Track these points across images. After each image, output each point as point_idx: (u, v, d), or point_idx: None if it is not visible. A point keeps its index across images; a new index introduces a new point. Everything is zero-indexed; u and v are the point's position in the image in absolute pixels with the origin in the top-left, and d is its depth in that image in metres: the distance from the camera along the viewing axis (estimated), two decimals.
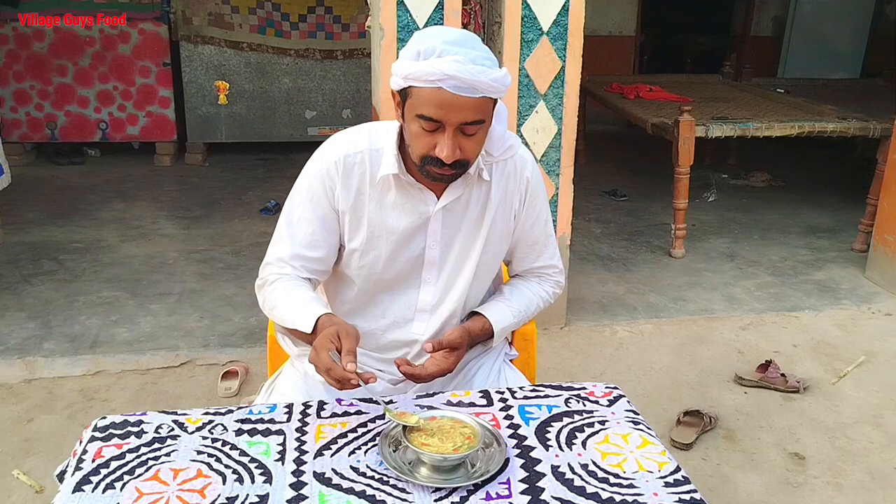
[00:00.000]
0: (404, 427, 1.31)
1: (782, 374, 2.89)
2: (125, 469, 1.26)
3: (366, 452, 1.31)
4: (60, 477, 1.40)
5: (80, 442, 1.37)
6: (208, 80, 5.64)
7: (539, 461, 1.30)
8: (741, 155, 6.00)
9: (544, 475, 1.26)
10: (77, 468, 1.27)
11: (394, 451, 1.30)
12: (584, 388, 1.54)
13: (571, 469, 1.28)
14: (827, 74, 7.17)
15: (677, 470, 1.29)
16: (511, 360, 1.79)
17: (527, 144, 2.96)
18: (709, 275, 3.91)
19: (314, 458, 1.29)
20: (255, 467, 1.27)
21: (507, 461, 1.29)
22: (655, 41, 8.76)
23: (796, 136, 4.16)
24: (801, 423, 2.67)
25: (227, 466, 1.27)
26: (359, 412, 1.44)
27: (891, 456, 2.50)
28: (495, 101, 1.45)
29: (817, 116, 4.44)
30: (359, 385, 1.34)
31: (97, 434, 1.36)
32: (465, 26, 2.96)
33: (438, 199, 1.53)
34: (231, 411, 1.43)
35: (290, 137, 5.89)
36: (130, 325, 3.19)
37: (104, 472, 1.26)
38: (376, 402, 1.47)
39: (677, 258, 4.10)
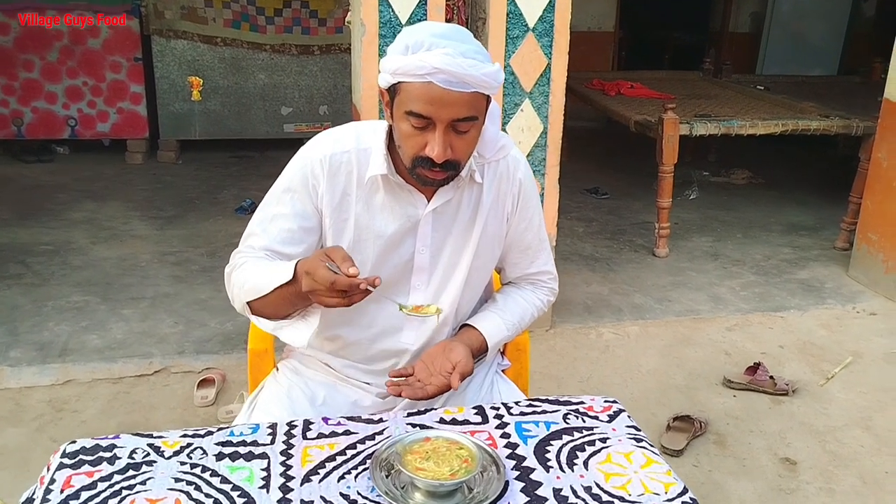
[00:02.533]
0: (397, 452, 1.23)
1: (771, 377, 2.85)
2: (97, 500, 1.17)
3: (356, 477, 1.23)
4: None
5: (48, 469, 1.27)
6: (181, 75, 5.49)
7: (540, 484, 1.23)
8: (721, 152, 5.99)
9: (546, 500, 1.19)
10: (44, 499, 1.18)
11: (386, 477, 1.22)
12: (583, 403, 1.48)
13: (574, 493, 1.21)
14: (805, 71, 7.19)
15: (684, 492, 1.23)
16: (503, 371, 1.73)
17: None
18: (693, 274, 3.88)
19: (301, 484, 1.21)
20: (238, 496, 1.19)
21: (506, 485, 1.22)
22: (634, 37, 8.74)
23: (780, 134, 4.13)
24: (791, 427, 2.64)
25: (207, 496, 1.19)
26: (347, 432, 1.36)
27: (881, 460, 2.47)
28: (488, 98, 1.39)
29: (799, 114, 4.42)
30: (367, 290, 1.22)
31: (66, 461, 1.27)
32: (448, 22, 2.88)
33: (428, 201, 1.46)
34: (211, 433, 1.34)
35: (265, 134, 5.76)
36: (101, 331, 3.07)
37: None
38: (365, 421, 1.40)
39: (661, 257, 4.06)
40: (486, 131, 1.45)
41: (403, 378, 1.44)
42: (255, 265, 1.40)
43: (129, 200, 4.70)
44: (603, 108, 4.92)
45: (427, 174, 1.36)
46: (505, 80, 2.82)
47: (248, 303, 1.38)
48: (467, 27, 2.95)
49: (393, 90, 1.34)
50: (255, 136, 5.77)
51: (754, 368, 2.89)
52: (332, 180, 1.44)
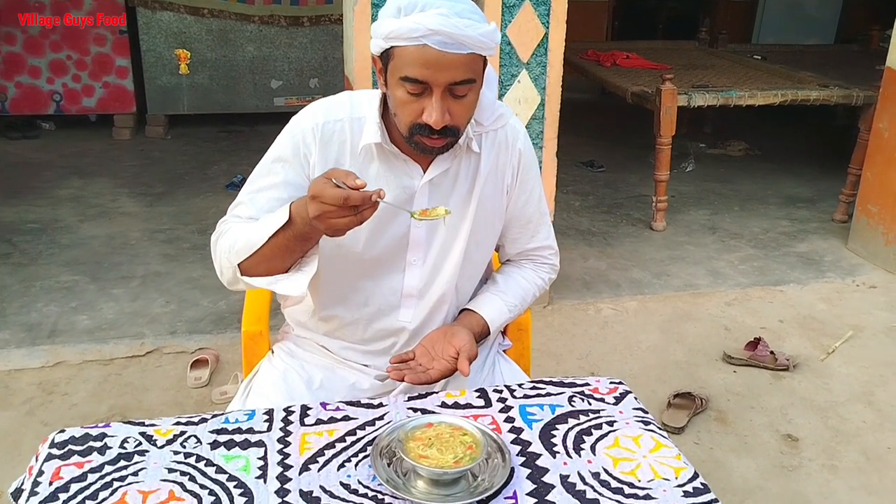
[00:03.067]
0: (399, 439, 1.19)
1: (771, 352, 2.83)
2: (87, 493, 1.12)
3: (356, 465, 1.19)
4: (15, 495, 1.24)
5: (37, 458, 1.22)
6: (168, 48, 5.37)
7: (546, 470, 1.19)
8: (717, 123, 5.92)
9: (553, 487, 1.15)
10: (32, 492, 1.13)
11: (388, 464, 1.18)
12: (588, 385, 1.43)
13: (582, 479, 1.17)
14: (801, 40, 7.11)
15: (695, 477, 1.19)
16: (505, 351, 1.68)
17: None
18: (691, 248, 3.84)
19: (300, 473, 1.17)
20: (234, 486, 1.14)
21: (511, 471, 1.18)
22: (627, 5, 8.61)
23: (778, 104, 4.07)
24: (792, 403, 2.62)
25: (202, 486, 1.14)
26: (346, 417, 1.31)
27: (884, 436, 2.45)
28: (485, 61, 1.33)
29: (798, 84, 4.35)
30: (377, 203, 1.18)
31: (54, 451, 1.22)
32: None
33: (424, 172, 1.40)
34: (205, 420, 1.30)
35: (255, 108, 5.65)
36: (91, 311, 3.01)
37: (63, 496, 1.12)
38: (364, 406, 1.35)
39: (658, 231, 4.02)
40: (483, 97, 1.40)
41: (405, 363, 1.40)
42: (245, 225, 1.35)
43: (117, 177, 4.61)
44: (599, 80, 4.84)
45: (425, 141, 1.31)
46: (501, 50, 2.74)
47: (239, 265, 1.31)
48: None
49: (386, 56, 1.29)
50: (245, 110, 5.66)
51: (754, 344, 2.86)
52: (324, 149, 1.38)
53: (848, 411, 2.58)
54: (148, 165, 4.88)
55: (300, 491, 1.13)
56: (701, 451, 2.37)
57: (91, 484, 1.14)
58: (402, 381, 1.37)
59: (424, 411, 1.33)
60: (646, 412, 1.36)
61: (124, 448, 1.22)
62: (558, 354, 2.87)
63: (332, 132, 1.38)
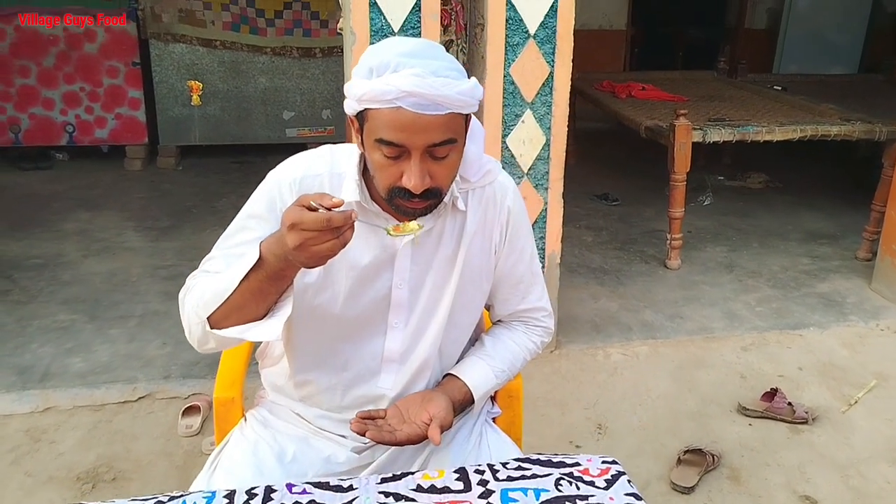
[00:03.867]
0: None
1: (789, 403, 2.68)
2: None
3: None
4: None
5: None
6: (180, 79, 5.37)
7: None
8: (737, 155, 5.78)
9: None
10: None
11: None
12: (578, 465, 1.32)
13: None
14: (824, 69, 6.97)
15: None
16: (493, 419, 1.58)
17: (513, 157, 2.73)
18: (707, 288, 3.70)
19: None
20: None
21: None
22: (647, 34, 8.53)
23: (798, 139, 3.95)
24: (810, 460, 2.47)
25: None
26: (312, 503, 1.21)
27: None
28: (468, 117, 1.25)
29: (819, 118, 4.22)
30: (354, 220, 1.09)
31: None
32: (445, 28, 2.73)
33: None
34: (162, 503, 1.20)
35: (267, 139, 5.63)
36: (86, 353, 2.94)
37: None
38: (333, 489, 1.25)
39: (673, 269, 3.89)
40: (469, 152, 1.31)
41: (372, 419, 1.32)
42: (211, 277, 1.26)
43: (124, 210, 4.58)
44: (613, 113, 4.74)
45: (406, 204, 1.23)
46: (504, 89, 2.66)
47: (208, 318, 1.21)
48: (465, 33, 2.79)
49: (361, 117, 1.21)
50: (257, 140, 5.63)
51: (771, 394, 2.72)
52: None
53: (871, 470, 2.42)
54: (157, 198, 4.85)
55: None
56: None
57: None
58: (363, 435, 1.28)
59: (397, 496, 1.23)
60: (639, 499, 1.25)
61: None
62: (564, 403, 2.75)
63: (311, 187, 1.31)
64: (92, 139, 5.40)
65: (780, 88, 5.33)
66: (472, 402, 1.42)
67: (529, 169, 2.76)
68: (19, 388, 2.71)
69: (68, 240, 4.07)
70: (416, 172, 1.18)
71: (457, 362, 1.48)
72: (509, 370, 1.48)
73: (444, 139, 1.18)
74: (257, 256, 1.15)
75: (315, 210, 1.07)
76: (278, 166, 1.37)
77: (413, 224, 1.23)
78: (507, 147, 2.71)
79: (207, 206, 4.67)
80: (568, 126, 2.78)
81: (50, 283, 3.53)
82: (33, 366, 2.85)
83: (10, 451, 2.43)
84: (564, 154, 2.81)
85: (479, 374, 1.43)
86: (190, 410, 2.61)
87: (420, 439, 1.32)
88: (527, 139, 2.72)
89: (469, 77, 1.22)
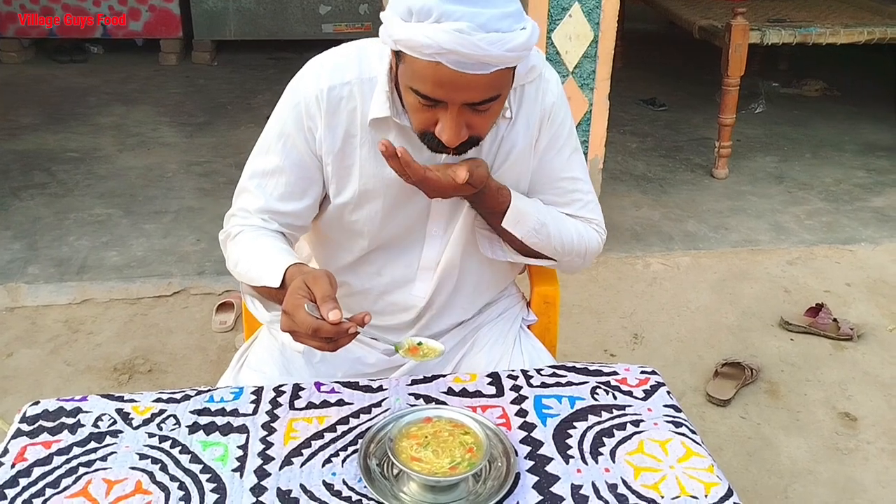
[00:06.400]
0: (390, 437, 1.06)
1: (834, 319, 2.60)
2: (49, 479, 1.03)
3: (344, 462, 1.07)
4: None
5: (6, 433, 1.14)
6: None
7: (557, 479, 1.04)
8: (794, 60, 5.48)
9: (563, 500, 1.01)
10: None
11: (377, 464, 1.05)
12: (615, 374, 1.27)
13: (596, 491, 1.03)
14: None
15: (729, 494, 1.04)
16: (528, 326, 1.52)
17: (557, 54, 2.59)
18: (754, 199, 3.56)
19: (280, 468, 1.05)
20: (208, 479, 1.04)
21: (517, 477, 1.04)
22: None
23: (864, 43, 3.69)
24: (853, 378, 2.40)
25: (172, 478, 1.04)
26: (340, 402, 1.19)
27: None
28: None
29: (888, 20, 3.93)
30: (356, 333, 1.06)
31: (24, 426, 1.13)
32: None
33: None
34: (188, 397, 1.19)
35: (303, 35, 5.46)
36: (122, 247, 2.96)
37: (23, 482, 1.03)
38: (362, 389, 1.22)
39: (720, 179, 3.74)
40: None
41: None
42: (251, 245, 1.22)
43: (159, 105, 4.52)
44: (664, 11, 4.48)
45: (440, 147, 1.13)
46: None
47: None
48: None
49: (397, 53, 1.09)
50: (293, 36, 5.47)
51: (816, 310, 2.63)
52: (331, 120, 1.21)
53: None
54: (192, 93, 4.77)
55: (278, 489, 1.02)
56: (747, 426, 2.19)
57: (55, 469, 1.05)
58: (394, 153, 1.11)
59: (427, 398, 1.20)
60: (678, 410, 1.20)
61: (97, 427, 1.13)
62: (600, 312, 2.70)
63: (340, 98, 1.20)
64: (126, 32, 5.29)
65: None
66: (503, 212, 1.26)
67: (575, 67, 2.62)
68: (57, 279, 2.74)
69: (104, 134, 4.04)
70: (452, 127, 1.08)
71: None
72: (555, 225, 1.32)
73: (484, 97, 1.07)
74: (278, 284, 1.13)
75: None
76: (301, 73, 1.26)
77: (434, 348, 1.18)
78: (552, 43, 2.57)
79: (242, 103, 4.59)
80: (616, 30, 2.61)
81: (86, 177, 3.53)
82: (70, 258, 2.87)
83: (50, 341, 2.47)
84: (612, 53, 2.65)
85: (526, 200, 1.30)
86: (224, 307, 2.62)
87: (448, 187, 1.17)
88: (573, 35, 2.57)
89: (526, 16, 1.08)
